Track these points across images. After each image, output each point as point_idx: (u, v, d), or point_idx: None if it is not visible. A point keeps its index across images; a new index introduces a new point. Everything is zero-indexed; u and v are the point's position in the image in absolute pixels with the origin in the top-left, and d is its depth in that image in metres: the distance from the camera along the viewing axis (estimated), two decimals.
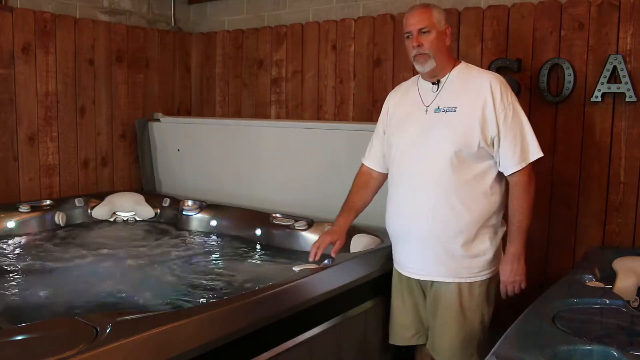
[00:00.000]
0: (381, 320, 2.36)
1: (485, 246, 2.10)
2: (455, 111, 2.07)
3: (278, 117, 3.81)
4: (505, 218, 2.16)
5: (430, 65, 2.10)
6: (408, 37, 2.13)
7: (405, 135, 2.18)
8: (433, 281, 2.14)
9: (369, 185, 2.37)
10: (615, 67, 2.54)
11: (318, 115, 3.60)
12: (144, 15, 4.08)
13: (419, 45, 2.09)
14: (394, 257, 2.30)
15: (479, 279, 2.10)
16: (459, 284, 2.10)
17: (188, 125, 3.85)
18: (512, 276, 2.10)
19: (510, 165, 2.05)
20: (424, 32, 2.08)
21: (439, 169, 2.06)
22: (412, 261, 2.18)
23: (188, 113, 4.33)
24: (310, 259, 2.28)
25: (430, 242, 2.09)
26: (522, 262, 2.11)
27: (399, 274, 2.26)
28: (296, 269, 2.20)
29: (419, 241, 2.12)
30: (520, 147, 2.05)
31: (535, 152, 2.07)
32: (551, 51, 2.73)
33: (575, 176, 2.72)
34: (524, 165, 2.05)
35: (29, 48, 3.37)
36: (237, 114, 4.05)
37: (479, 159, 2.06)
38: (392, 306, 2.31)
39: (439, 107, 2.11)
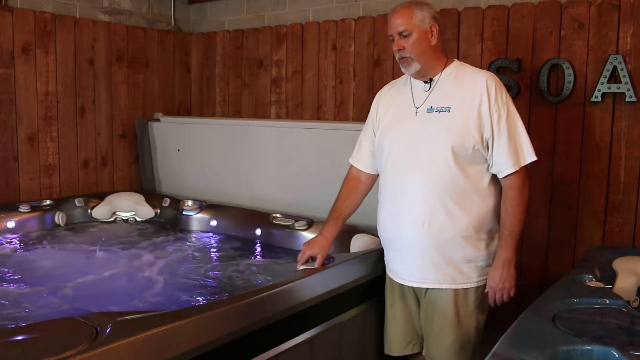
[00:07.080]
0: (380, 322, 2.35)
1: (481, 251, 2.05)
2: (449, 111, 2.00)
3: (278, 117, 3.81)
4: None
5: (414, 68, 2.04)
6: (392, 40, 2.07)
7: (397, 136, 2.11)
8: (428, 288, 2.09)
9: (358, 191, 2.29)
10: (615, 67, 2.55)
11: (318, 115, 3.60)
12: (144, 15, 4.08)
13: (399, 49, 2.03)
14: (386, 263, 2.24)
15: (474, 285, 2.06)
16: (455, 290, 2.05)
17: (188, 125, 3.85)
18: (501, 283, 2.00)
19: (505, 167, 1.99)
20: (404, 35, 2.02)
21: (434, 171, 2.00)
22: (406, 268, 2.12)
23: (188, 113, 4.33)
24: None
25: (426, 247, 2.03)
26: (512, 269, 2.02)
27: (392, 281, 2.21)
28: (299, 268, 2.19)
29: (415, 247, 2.05)
30: (514, 148, 1.98)
31: (529, 155, 2.00)
32: (551, 51, 2.73)
33: (575, 176, 2.72)
34: (517, 168, 1.98)
35: (29, 48, 3.37)
36: (237, 114, 4.05)
37: (474, 161, 2.01)
38: (386, 315, 2.26)
39: (431, 107, 2.04)
